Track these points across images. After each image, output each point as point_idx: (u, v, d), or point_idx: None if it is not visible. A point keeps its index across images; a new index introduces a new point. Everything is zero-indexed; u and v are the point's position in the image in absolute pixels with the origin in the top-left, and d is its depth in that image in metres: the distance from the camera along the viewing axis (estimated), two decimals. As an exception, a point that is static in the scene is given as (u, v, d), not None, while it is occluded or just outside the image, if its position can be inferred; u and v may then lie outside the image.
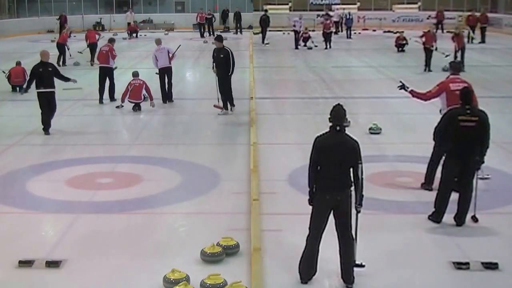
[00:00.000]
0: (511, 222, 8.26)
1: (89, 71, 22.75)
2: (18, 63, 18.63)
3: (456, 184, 7.91)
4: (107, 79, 16.30)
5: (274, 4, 42.55)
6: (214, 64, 14.65)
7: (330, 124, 6.23)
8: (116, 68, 16.71)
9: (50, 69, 12.84)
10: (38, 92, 12.73)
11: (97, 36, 24.81)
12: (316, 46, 28.15)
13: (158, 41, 16.64)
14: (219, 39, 14.64)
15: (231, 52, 14.37)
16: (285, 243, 6.94)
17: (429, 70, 21.29)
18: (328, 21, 30.28)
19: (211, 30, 36.40)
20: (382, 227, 8.02)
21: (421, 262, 6.96)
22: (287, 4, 43.59)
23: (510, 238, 7.71)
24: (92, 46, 23.93)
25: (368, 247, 7.33)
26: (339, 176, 6.18)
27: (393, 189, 9.46)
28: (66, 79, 13.27)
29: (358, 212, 6.27)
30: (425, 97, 9.53)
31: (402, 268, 6.84)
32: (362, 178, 6.20)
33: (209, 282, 6.19)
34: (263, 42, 32.39)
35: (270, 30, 35.18)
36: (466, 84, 9.20)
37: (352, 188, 6.24)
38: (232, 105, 14.83)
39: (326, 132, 6.29)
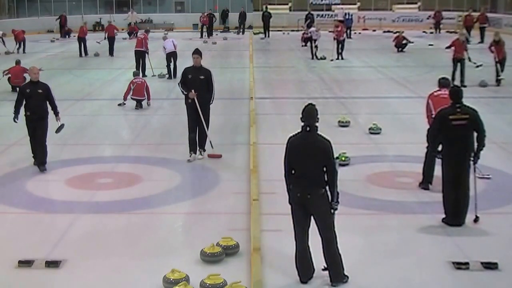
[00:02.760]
0: (511, 222, 8.27)
1: (88, 71, 22.84)
2: (18, 63, 18.62)
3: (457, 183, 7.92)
4: (141, 60, 20.70)
5: (274, 4, 42.50)
6: (187, 88, 10.80)
7: (302, 123, 6.30)
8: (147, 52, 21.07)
9: (40, 91, 10.46)
10: (25, 116, 10.61)
11: (115, 31, 26.97)
12: (316, 47, 27.97)
13: (165, 37, 21.17)
14: (199, 53, 11.01)
15: (212, 74, 11.04)
16: (285, 243, 6.93)
17: (463, 86, 16.55)
18: (340, 28, 25.54)
19: (210, 30, 36.33)
20: (382, 227, 8.02)
21: (421, 262, 6.96)
22: (287, 4, 43.56)
23: (510, 238, 7.71)
24: (111, 40, 26.62)
25: (368, 247, 7.35)
26: (309, 175, 6.23)
27: (393, 189, 9.45)
28: (55, 110, 10.66)
29: (334, 210, 6.30)
30: (427, 118, 9.50)
31: (402, 268, 6.83)
32: (335, 176, 6.22)
33: (208, 282, 6.19)
34: (268, 36, 35.04)
35: (270, 30, 35.41)
36: None
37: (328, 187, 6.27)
38: (204, 148, 11.17)
39: (298, 132, 6.36)
